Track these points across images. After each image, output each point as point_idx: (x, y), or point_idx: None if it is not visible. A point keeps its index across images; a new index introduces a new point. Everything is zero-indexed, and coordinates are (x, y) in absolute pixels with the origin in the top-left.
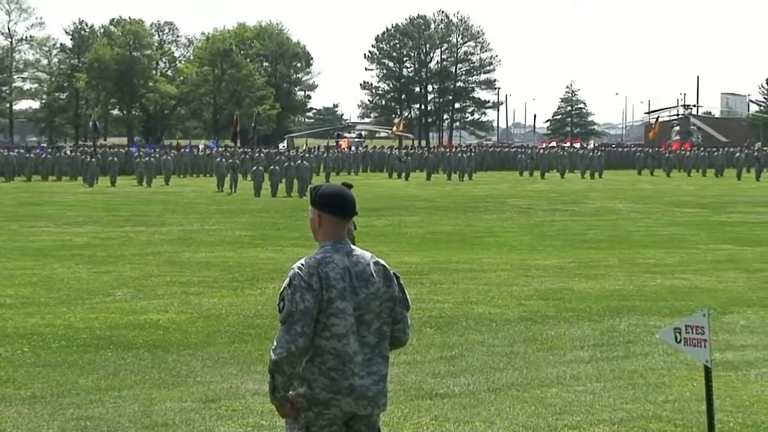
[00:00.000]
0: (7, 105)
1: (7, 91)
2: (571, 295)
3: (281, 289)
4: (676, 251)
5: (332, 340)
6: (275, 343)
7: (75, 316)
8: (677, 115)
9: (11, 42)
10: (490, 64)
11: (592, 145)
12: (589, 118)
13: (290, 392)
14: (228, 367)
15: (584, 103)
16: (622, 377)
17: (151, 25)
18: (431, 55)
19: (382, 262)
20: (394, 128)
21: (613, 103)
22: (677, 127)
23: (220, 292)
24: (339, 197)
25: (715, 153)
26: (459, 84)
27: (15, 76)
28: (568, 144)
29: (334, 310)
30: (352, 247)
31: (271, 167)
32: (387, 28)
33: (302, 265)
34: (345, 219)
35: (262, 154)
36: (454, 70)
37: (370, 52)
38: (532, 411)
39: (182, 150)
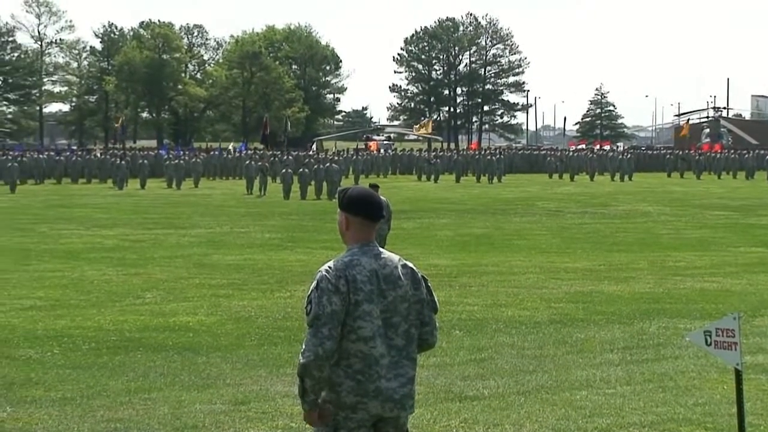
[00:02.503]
0: (37, 108)
1: (37, 94)
2: (601, 297)
3: (308, 292)
4: (706, 254)
5: (359, 342)
6: (303, 347)
7: (105, 318)
8: (707, 117)
9: (41, 45)
10: (519, 66)
11: (621, 148)
12: (619, 121)
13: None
14: (257, 370)
15: (614, 106)
16: (652, 380)
17: (180, 28)
18: (460, 57)
19: (410, 264)
20: (418, 126)
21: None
22: (707, 130)
23: (249, 295)
24: (366, 200)
25: (746, 155)
26: (488, 86)
27: (45, 79)
28: (597, 146)
29: (360, 312)
30: (380, 249)
31: (301, 170)
32: (416, 31)
33: (330, 267)
34: (373, 221)
35: (291, 157)
36: (483, 73)
37: (399, 54)
38: (562, 414)
39: (211, 153)
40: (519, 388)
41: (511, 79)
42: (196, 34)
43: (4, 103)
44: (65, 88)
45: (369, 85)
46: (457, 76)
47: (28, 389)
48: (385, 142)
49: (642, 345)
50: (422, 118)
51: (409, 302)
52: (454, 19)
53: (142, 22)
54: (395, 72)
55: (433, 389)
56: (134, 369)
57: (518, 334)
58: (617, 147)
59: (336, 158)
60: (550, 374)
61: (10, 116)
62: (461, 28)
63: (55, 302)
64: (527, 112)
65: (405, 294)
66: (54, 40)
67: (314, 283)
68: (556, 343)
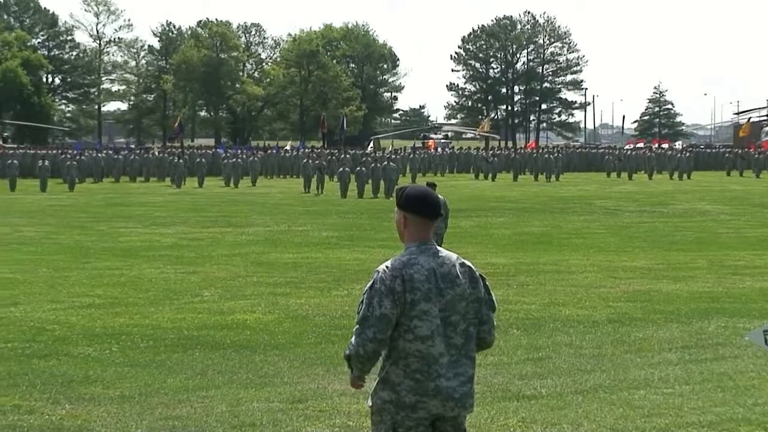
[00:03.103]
0: (96, 107)
1: (96, 93)
2: (659, 296)
3: (364, 290)
4: (765, 253)
5: (416, 342)
6: (351, 340)
7: (163, 316)
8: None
9: (99, 44)
10: (577, 64)
11: (680, 146)
12: (677, 119)
13: (375, 399)
14: (315, 368)
15: (672, 104)
16: (710, 380)
17: (237, 27)
18: (518, 56)
19: (468, 263)
20: (480, 128)
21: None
22: (767, 128)
23: (307, 293)
24: (424, 198)
25: None
26: (546, 85)
27: (103, 78)
28: (655, 145)
29: (417, 312)
30: (438, 248)
31: (358, 168)
32: (473, 29)
33: (387, 267)
34: (430, 220)
35: (348, 155)
36: (540, 71)
37: (456, 53)
38: (620, 413)
39: (269, 151)
40: (577, 387)
41: (569, 78)
42: (253, 32)
43: (63, 101)
44: (123, 87)
45: (426, 84)
46: (514, 74)
47: (87, 387)
48: (442, 140)
49: (701, 344)
50: (480, 117)
51: (467, 300)
52: (511, 17)
53: (200, 21)
54: (453, 70)
55: (490, 388)
56: (192, 367)
57: (576, 334)
58: (676, 145)
59: (393, 156)
60: (608, 373)
61: (69, 115)
62: (519, 27)
63: (113, 300)
64: (585, 111)
65: (463, 292)
66: (112, 39)
67: (370, 282)
68: (614, 343)
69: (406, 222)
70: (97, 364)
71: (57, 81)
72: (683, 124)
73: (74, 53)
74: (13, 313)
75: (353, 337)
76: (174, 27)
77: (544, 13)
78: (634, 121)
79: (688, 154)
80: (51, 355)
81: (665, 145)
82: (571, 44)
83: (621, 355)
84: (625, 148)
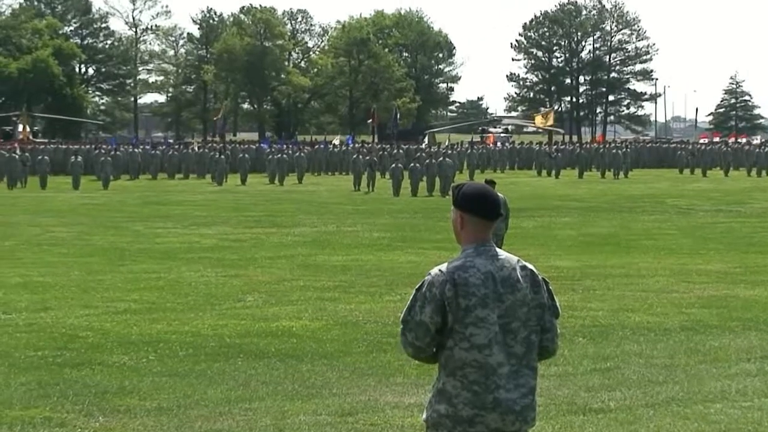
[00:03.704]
0: (132, 99)
1: (132, 84)
2: (737, 302)
3: (415, 288)
4: None
5: (473, 351)
6: (401, 325)
7: (203, 322)
8: None
9: (136, 32)
10: (647, 53)
11: (758, 141)
12: (755, 112)
13: (430, 412)
14: (366, 379)
15: (750, 95)
16: None
17: (283, 14)
18: (583, 43)
19: (530, 266)
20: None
21: None
22: None
23: (357, 298)
24: (483, 197)
25: None
26: (613, 75)
27: (140, 68)
28: (732, 139)
29: (473, 319)
30: (497, 250)
31: (412, 164)
32: (535, 16)
33: (439, 271)
34: (489, 220)
35: (401, 151)
36: (607, 60)
37: (517, 41)
38: (695, 428)
39: (316, 146)
40: (648, 400)
41: (638, 67)
42: (300, 19)
43: (97, 93)
44: (161, 78)
45: (485, 74)
46: (579, 63)
47: (122, 398)
48: (502, 134)
49: None
50: (542, 109)
51: (529, 306)
52: (576, 2)
53: (243, 7)
54: (513, 60)
55: (554, 401)
56: (234, 377)
57: (646, 342)
58: (753, 140)
59: (449, 152)
60: (682, 385)
61: (103, 107)
62: (584, 12)
63: (150, 305)
64: (656, 103)
65: (524, 298)
66: (149, 27)
67: (419, 283)
68: (687, 352)
69: (463, 222)
70: (133, 373)
71: (90, 71)
72: (762, 117)
73: (109, 42)
74: (43, 319)
75: (401, 330)
76: (215, 13)
77: None
78: (709, 114)
79: (766, 149)
80: (84, 364)
81: (742, 140)
82: (640, 31)
83: (695, 365)
84: (699, 142)
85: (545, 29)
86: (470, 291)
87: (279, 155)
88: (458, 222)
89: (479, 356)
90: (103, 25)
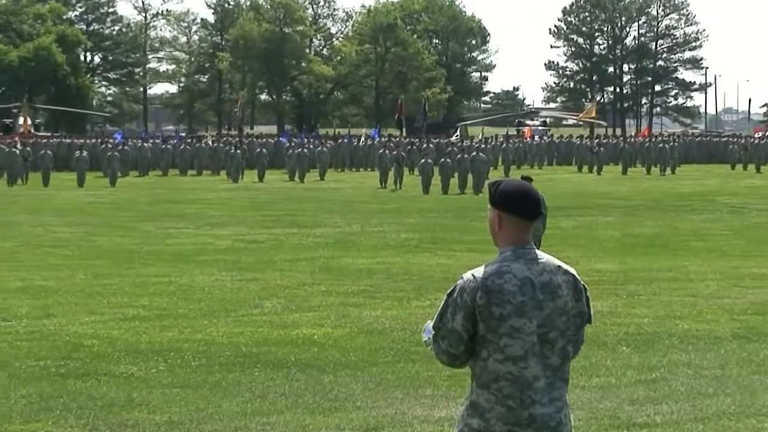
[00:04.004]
0: (141, 89)
1: (141, 74)
2: None
3: (447, 292)
4: None
5: (507, 363)
6: (432, 331)
7: (217, 330)
8: None
9: (145, 17)
10: (697, 39)
11: None
12: None
13: (461, 427)
14: (392, 391)
15: None
16: None
17: None
18: (627, 29)
19: (572, 271)
20: (583, 113)
21: None
22: None
23: (383, 304)
24: (522, 195)
25: None
26: (660, 63)
27: (150, 56)
28: None
29: (507, 329)
30: (538, 253)
31: (442, 160)
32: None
33: (471, 276)
34: (529, 220)
35: (431, 145)
36: (653, 47)
37: (556, 26)
38: None
39: (340, 140)
40: (696, 414)
41: (687, 55)
42: (322, 3)
43: (104, 83)
44: (173, 67)
45: (521, 63)
46: (623, 51)
47: (130, 411)
48: (539, 127)
49: None
50: (583, 100)
51: (569, 315)
52: None
53: None
54: (552, 47)
55: (596, 414)
56: (251, 389)
57: (695, 351)
58: None
59: (483, 146)
60: (733, 398)
61: (110, 98)
62: None
63: (161, 312)
64: (705, 93)
65: (564, 305)
66: (160, 12)
67: (451, 288)
68: (739, 362)
69: (501, 222)
70: (141, 384)
71: (97, 60)
72: None
73: (116, 28)
74: (46, 326)
75: (433, 345)
76: None
77: None
78: (763, 105)
79: None
80: (89, 374)
81: None
82: (689, 16)
83: (748, 376)
84: (753, 136)
85: (586, 14)
86: (505, 299)
87: (299, 150)
88: (495, 222)
89: (514, 369)
90: (111, 10)
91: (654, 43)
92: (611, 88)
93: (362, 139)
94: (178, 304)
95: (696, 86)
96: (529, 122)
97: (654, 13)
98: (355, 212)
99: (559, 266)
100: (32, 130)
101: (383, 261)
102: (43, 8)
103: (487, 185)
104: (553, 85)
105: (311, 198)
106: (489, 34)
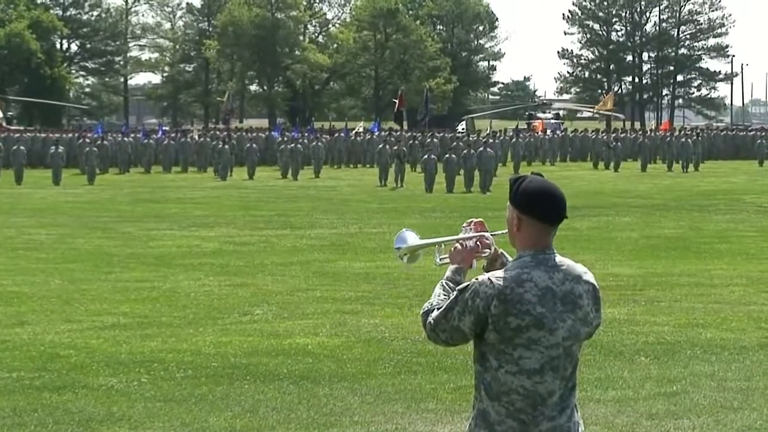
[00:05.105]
0: (122, 79)
1: (121, 62)
2: None
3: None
4: None
5: (520, 376)
6: (431, 320)
7: (204, 339)
8: None
9: (126, 2)
10: (722, 26)
11: None
12: None
13: None
14: (392, 404)
15: None
16: None
17: None
18: (647, 15)
19: (592, 279)
20: (599, 105)
21: None
22: None
23: (382, 311)
24: (548, 196)
25: None
26: (682, 51)
27: (131, 44)
28: None
29: (524, 340)
30: (559, 259)
31: (447, 155)
32: None
33: (488, 281)
34: (553, 224)
35: (435, 140)
36: (675, 34)
37: (570, 12)
38: None
39: (336, 134)
40: (720, 428)
41: (711, 42)
42: None
43: (81, 73)
44: (156, 55)
45: (532, 51)
46: (643, 38)
47: (110, 426)
48: (552, 120)
49: None
50: (599, 91)
51: (589, 326)
52: None
53: None
54: (565, 33)
55: (612, 429)
56: (240, 402)
57: (719, 362)
58: None
59: (491, 141)
60: (760, 412)
61: (88, 89)
62: None
63: (142, 320)
64: (732, 83)
65: (586, 317)
66: None
67: (465, 284)
68: (767, 374)
69: (521, 224)
70: (122, 398)
71: (74, 48)
72: None
73: (95, 13)
74: (19, 335)
75: (430, 328)
76: None
77: None
78: None
79: None
80: (66, 387)
81: None
82: (714, 1)
83: None
84: None
85: None
86: (524, 309)
87: (292, 145)
88: (514, 223)
89: (528, 383)
90: None
91: (676, 30)
92: (629, 78)
93: (359, 130)
94: (161, 312)
95: (721, 76)
96: (540, 115)
97: None
98: (352, 212)
99: (579, 275)
100: (4, 124)
101: (382, 265)
102: None
103: (509, 180)
104: (567, 75)
105: (305, 197)
106: (498, 20)
